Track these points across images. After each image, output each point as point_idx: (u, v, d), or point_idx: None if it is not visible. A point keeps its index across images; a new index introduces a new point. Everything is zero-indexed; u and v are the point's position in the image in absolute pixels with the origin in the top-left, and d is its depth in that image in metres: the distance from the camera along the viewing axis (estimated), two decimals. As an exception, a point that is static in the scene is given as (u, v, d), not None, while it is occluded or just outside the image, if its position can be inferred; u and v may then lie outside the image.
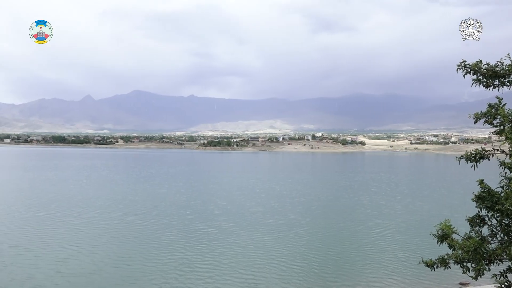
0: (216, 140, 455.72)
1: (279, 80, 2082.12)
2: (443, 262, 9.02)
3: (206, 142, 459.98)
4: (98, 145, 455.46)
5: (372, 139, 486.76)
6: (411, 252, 32.04)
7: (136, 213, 46.19)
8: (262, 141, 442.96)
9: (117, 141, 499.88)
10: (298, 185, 79.61)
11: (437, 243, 9.25)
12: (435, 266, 9.20)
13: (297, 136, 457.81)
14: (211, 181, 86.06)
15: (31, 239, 33.40)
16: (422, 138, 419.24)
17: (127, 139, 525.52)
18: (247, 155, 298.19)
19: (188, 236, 35.48)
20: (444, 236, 9.04)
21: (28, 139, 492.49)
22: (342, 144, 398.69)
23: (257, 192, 67.25)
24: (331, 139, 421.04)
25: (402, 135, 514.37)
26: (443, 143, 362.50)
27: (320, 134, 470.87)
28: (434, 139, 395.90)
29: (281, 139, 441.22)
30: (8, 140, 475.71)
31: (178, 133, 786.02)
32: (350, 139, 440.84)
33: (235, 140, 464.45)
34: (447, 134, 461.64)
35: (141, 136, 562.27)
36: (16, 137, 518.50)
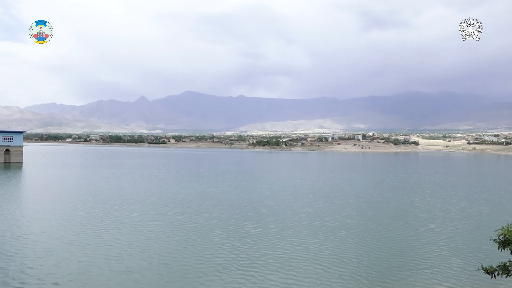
0: (265, 140, 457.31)
1: (329, 79, 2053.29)
2: (505, 269, 8.21)
3: (255, 141, 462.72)
4: (151, 145, 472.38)
5: (426, 139, 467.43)
6: (467, 258, 30.16)
7: (185, 211, 47.09)
8: (311, 140, 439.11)
9: (169, 141, 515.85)
10: (347, 186, 77.82)
11: (498, 249, 8.42)
12: (495, 273, 8.39)
13: (347, 136, 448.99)
14: (259, 181, 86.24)
15: (85, 235, 34.95)
16: (481, 138, 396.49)
17: (178, 139, 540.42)
18: (295, 154, 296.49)
19: (234, 236, 35.59)
20: (506, 241, 8.21)
21: (88, 139, 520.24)
22: (394, 144, 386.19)
23: (304, 193, 66.45)
24: (382, 139, 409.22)
25: (459, 135, 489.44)
26: (504, 143, 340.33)
27: (371, 134, 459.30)
28: (495, 139, 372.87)
29: (330, 139, 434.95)
30: (70, 140, 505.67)
31: (228, 133, 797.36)
32: (403, 139, 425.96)
33: (283, 139, 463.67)
34: (509, 133, 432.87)
35: (192, 136, 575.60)
36: (76, 136, 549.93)
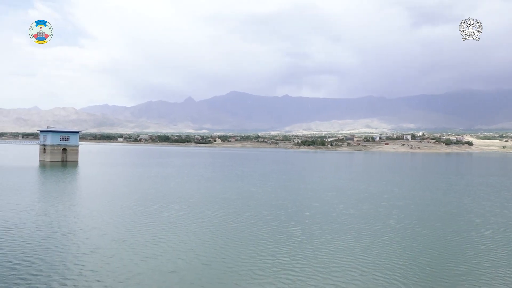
0: (310, 140, 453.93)
1: (376, 77, 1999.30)
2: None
3: (300, 141, 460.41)
4: (198, 144, 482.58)
5: (480, 139, 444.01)
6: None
7: (228, 211, 47.46)
8: (357, 140, 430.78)
9: (215, 140, 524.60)
10: (394, 187, 75.46)
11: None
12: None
13: (395, 136, 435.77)
14: (303, 181, 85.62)
15: (130, 233, 36.05)
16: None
17: (224, 138, 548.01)
18: (341, 154, 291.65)
19: (276, 237, 35.38)
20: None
21: (138, 138, 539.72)
22: (446, 144, 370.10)
23: (349, 194, 65.19)
24: (433, 139, 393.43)
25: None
26: None
27: (420, 134, 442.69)
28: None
29: (377, 139, 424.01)
30: (121, 139, 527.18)
31: (273, 133, 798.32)
32: (455, 138, 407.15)
33: (329, 139, 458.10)
34: None
35: (237, 136, 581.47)
36: (127, 136, 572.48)
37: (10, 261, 26.70)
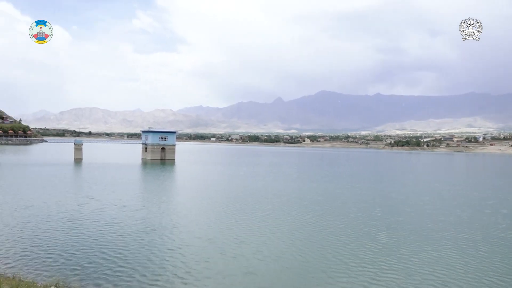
0: (403, 140, 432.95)
1: (480, 72, 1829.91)
2: None
3: (392, 141, 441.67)
4: (286, 144, 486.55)
5: None
6: None
7: (313, 212, 46.39)
8: (457, 141, 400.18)
9: (304, 140, 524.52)
10: (500, 193, 68.44)
11: None
12: None
13: (502, 136, 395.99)
14: (394, 183, 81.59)
15: (215, 232, 36.91)
16: None
17: (313, 138, 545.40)
18: (438, 156, 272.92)
19: (361, 241, 33.63)
20: None
21: (229, 138, 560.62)
22: None
23: (447, 199, 60.50)
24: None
25: None
26: None
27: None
28: None
29: (481, 139, 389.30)
30: (214, 139, 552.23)
31: (363, 133, 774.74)
32: None
33: (425, 139, 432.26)
34: None
35: (326, 136, 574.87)
36: (219, 136, 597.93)
37: (103, 252, 29.02)
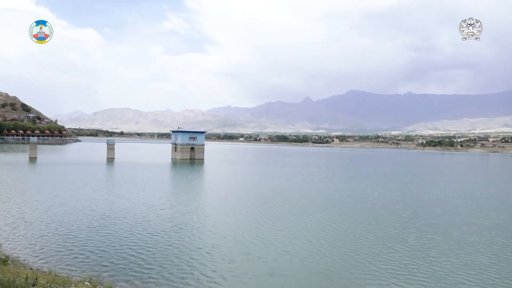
0: (436, 140, 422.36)
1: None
2: None
3: (424, 141, 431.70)
4: (315, 144, 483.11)
5: None
6: None
7: (341, 213, 45.87)
8: (493, 141, 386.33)
9: (332, 140, 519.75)
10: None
11: None
12: None
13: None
14: (426, 184, 79.48)
15: (241, 232, 37.04)
16: None
17: (342, 138, 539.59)
18: (473, 156, 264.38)
19: (389, 244, 32.95)
20: None
21: (257, 138, 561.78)
22: None
23: (482, 202, 58.41)
24: None
25: None
26: None
27: None
28: None
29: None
30: (242, 139, 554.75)
31: (394, 133, 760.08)
32: None
33: (459, 140, 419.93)
34: None
35: (355, 136, 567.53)
36: (248, 136, 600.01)
37: (132, 250, 29.65)
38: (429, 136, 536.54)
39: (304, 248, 31.54)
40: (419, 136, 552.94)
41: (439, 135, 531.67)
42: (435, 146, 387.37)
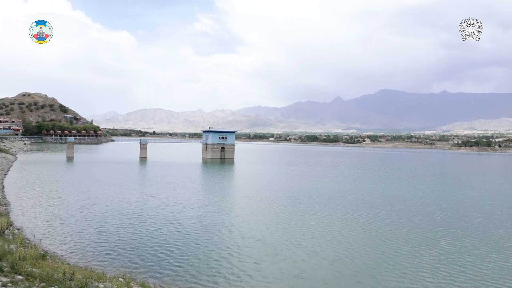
0: (472, 140, 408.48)
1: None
2: None
3: (460, 142, 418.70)
4: (346, 144, 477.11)
5: None
6: None
7: (371, 215, 45.12)
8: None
9: (364, 140, 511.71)
10: None
11: None
12: None
13: None
14: (461, 186, 77.02)
15: (269, 233, 36.99)
16: None
17: (374, 138, 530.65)
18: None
19: (420, 247, 32.14)
20: None
21: (287, 138, 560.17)
22: None
23: (519, 204, 56.22)
24: None
25: None
26: None
27: None
28: None
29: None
30: (272, 139, 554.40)
31: (428, 132, 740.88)
32: None
33: (497, 140, 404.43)
34: None
35: (387, 136, 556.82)
36: (278, 136, 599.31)
37: (162, 248, 30.28)
38: (465, 136, 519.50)
39: (333, 249, 31.27)
40: (455, 136, 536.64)
41: (476, 135, 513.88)
42: (471, 146, 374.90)
